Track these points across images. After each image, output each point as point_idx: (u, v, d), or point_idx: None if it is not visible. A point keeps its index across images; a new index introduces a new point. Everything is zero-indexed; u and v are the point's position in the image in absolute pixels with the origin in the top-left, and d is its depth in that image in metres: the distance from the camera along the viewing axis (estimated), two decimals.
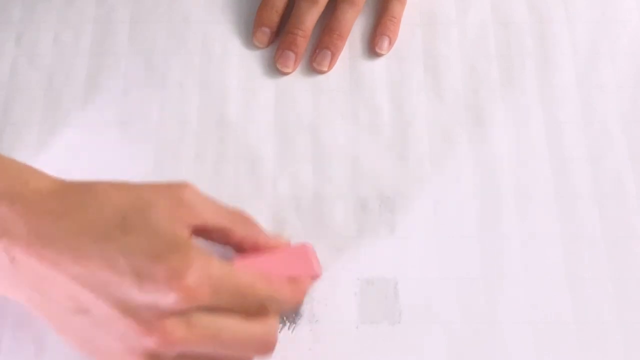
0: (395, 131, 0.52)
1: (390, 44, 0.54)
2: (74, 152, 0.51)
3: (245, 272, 0.40)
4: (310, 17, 0.54)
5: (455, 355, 0.45)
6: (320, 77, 0.54)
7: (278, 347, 0.45)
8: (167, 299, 0.36)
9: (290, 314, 0.46)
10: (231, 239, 0.42)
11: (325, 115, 0.52)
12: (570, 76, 0.53)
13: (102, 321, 0.37)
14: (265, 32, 0.54)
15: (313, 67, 0.54)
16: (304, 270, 0.43)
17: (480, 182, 0.50)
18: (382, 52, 0.54)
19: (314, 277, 0.44)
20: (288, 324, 0.46)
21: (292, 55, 0.53)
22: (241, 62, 0.54)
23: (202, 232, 0.41)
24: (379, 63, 0.54)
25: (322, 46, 0.54)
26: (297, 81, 0.53)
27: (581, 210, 0.49)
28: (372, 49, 0.54)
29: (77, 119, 0.52)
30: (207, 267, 0.37)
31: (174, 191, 0.40)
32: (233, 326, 0.38)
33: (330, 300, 0.46)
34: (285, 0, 0.55)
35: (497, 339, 0.45)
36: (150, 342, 0.36)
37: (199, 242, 0.40)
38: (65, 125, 0.52)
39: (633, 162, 0.50)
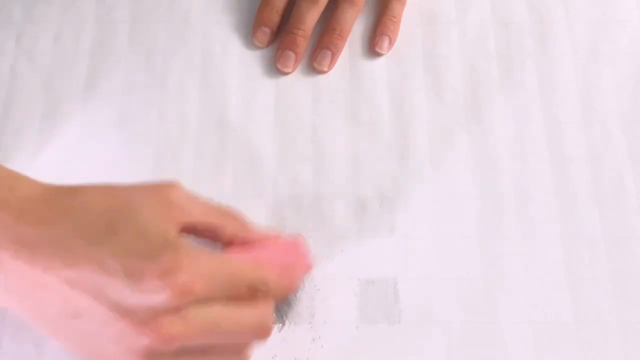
0: (395, 131, 0.52)
1: (391, 43, 0.54)
2: (74, 152, 0.51)
3: (234, 258, 0.40)
4: (311, 17, 0.54)
5: (455, 355, 0.45)
6: (320, 77, 0.54)
7: (278, 346, 0.45)
8: (161, 297, 0.36)
9: (289, 311, 0.46)
10: (221, 236, 0.42)
11: (325, 115, 0.52)
12: (570, 76, 0.53)
13: (96, 324, 0.37)
14: (265, 32, 0.54)
15: (313, 66, 0.54)
16: (294, 260, 0.43)
17: (480, 182, 0.50)
18: (383, 52, 0.54)
19: (306, 267, 0.44)
20: (288, 324, 0.46)
21: (292, 55, 0.53)
22: (241, 62, 0.54)
23: (192, 230, 0.41)
24: (379, 63, 0.54)
25: (323, 46, 0.54)
26: (297, 81, 0.54)
27: (581, 210, 0.49)
28: (372, 48, 0.54)
29: (77, 119, 0.52)
30: (197, 262, 0.37)
31: (162, 192, 0.40)
32: (228, 315, 0.38)
33: (330, 300, 0.46)
34: (285, 0, 0.55)
35: (497, 339, 0.45)
36: (147, 341, 0.36)
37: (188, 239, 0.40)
38: (65, 125, 0.52)
39: (633, 162, 0.50)
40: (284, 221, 0.49)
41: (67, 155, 0.51)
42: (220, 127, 0.52)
